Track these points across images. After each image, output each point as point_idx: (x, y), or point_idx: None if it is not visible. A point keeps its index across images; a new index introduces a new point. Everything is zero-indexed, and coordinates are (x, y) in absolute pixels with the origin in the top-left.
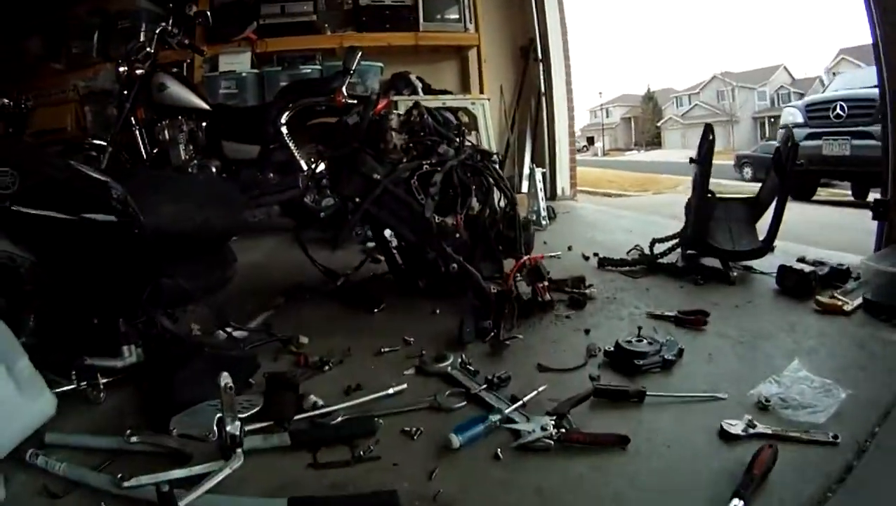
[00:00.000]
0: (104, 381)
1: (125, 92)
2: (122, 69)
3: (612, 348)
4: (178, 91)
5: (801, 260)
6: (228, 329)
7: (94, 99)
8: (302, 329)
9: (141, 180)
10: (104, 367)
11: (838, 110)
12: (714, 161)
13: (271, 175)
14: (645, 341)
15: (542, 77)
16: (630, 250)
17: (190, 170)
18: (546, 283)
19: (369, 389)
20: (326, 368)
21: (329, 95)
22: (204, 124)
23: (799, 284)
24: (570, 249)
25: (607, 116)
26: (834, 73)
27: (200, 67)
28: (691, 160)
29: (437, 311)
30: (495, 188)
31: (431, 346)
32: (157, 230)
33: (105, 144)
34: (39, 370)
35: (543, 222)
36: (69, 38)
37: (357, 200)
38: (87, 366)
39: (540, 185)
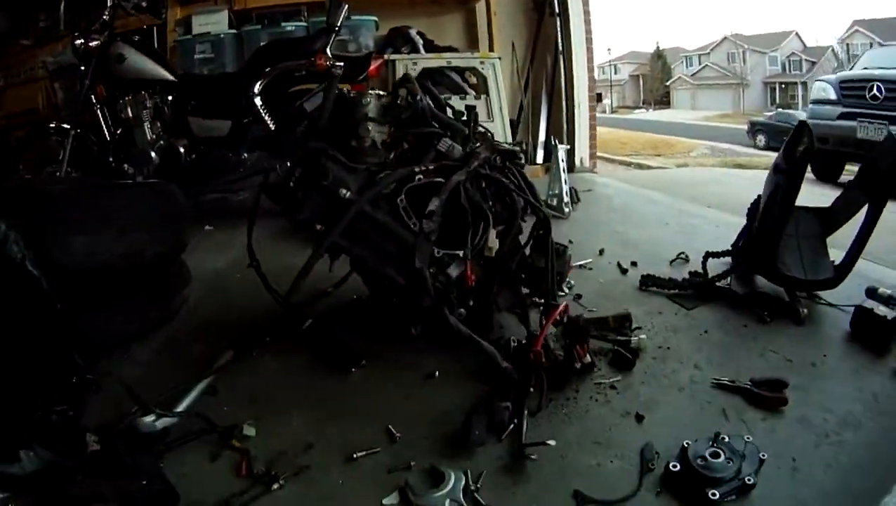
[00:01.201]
0: (3, 495)
1: (83, 67)
2: (78, 42)
3: (676, 465)
4: (139, 61)
5: (872, 293)
6: (151, 419)
7: (63, 75)
8: (252, 403)
9: (45, 202)
10: (3, 475)
11: (875, 91)
12: (724, 124)
13: (245, 155)
14: (722, 457)
15: (559, 34)
16: (674, 260)
17: (153, 155)
18: (587, 345)
19: None
20: (276, 485)
21: (309, 58)
22: (170, 98)
23: (876, 335)
24: (601, 253)
25: (615, 73)
26: (847, 45)
27: (173, 31)
28: (776, 168)
29: (437, 373)
30: (519, 200)
31: (425, 445)
32: (63, 272)
33: (69, 127)
34: None
35: (566, 209)
36: (35, 10)
37: (319, 227)
38: None
39: (563, 164)
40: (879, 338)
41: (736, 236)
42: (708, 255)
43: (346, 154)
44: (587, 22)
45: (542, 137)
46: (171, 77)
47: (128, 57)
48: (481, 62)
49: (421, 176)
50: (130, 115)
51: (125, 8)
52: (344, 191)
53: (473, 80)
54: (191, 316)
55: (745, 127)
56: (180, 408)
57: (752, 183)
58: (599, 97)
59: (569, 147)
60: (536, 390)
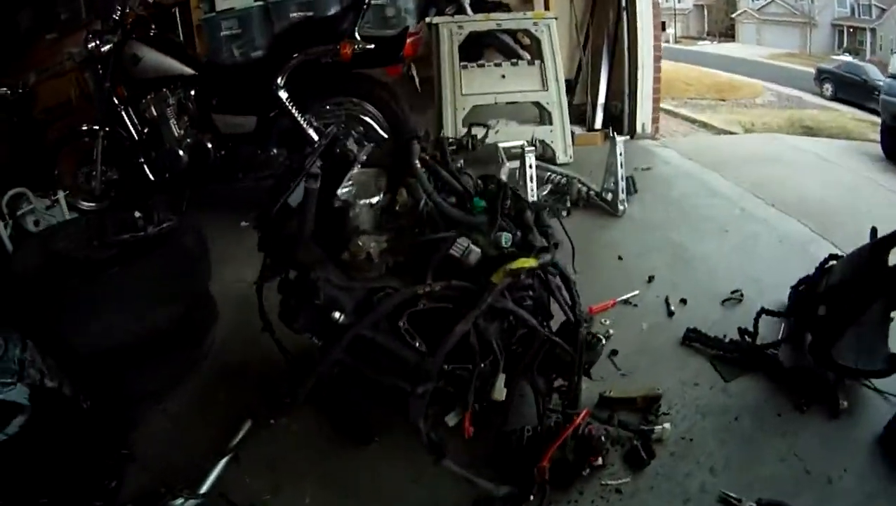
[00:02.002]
0: None
1: (100, 70)
2: (90, 46)
3: None
4: (155, 60)
5: None
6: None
7: (90, 66)
8: (270, 472)
9: (60, 292)
10: None
11: None
12: (790, 65)
13: (275, 151)
14: None
15: None
16: (726, 300)
17: (182, 153)
18: (601, 458)
19: None
20: None
21: (335, 42)
22: (193, 92)
23: None
24: (650, 280)
25: (678, 2)
26: None
27: (197, 8)
28: (857, 261)
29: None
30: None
31: None
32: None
33: (98, 128)
34: None
35: (621, 207)
36: (56, 3)
37: (316, 340)
38: None
39: (621, 158)
40: None
41: (797, 281)
42: (762, 312)
43: (339, 259)
44: None
45: (601, 98)
46: (190, 71)
47: (143, 57)
48: (535, 23)
49: (424, 302)
50: (154, 113)
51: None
52: (337, 314)
53: (527, 40)
54: (219, 357)
55: (812, 71)
56: (205, 488)
57: (819, 162)
58: (663, 26)
59: (627, 138)
60: (537, 498)
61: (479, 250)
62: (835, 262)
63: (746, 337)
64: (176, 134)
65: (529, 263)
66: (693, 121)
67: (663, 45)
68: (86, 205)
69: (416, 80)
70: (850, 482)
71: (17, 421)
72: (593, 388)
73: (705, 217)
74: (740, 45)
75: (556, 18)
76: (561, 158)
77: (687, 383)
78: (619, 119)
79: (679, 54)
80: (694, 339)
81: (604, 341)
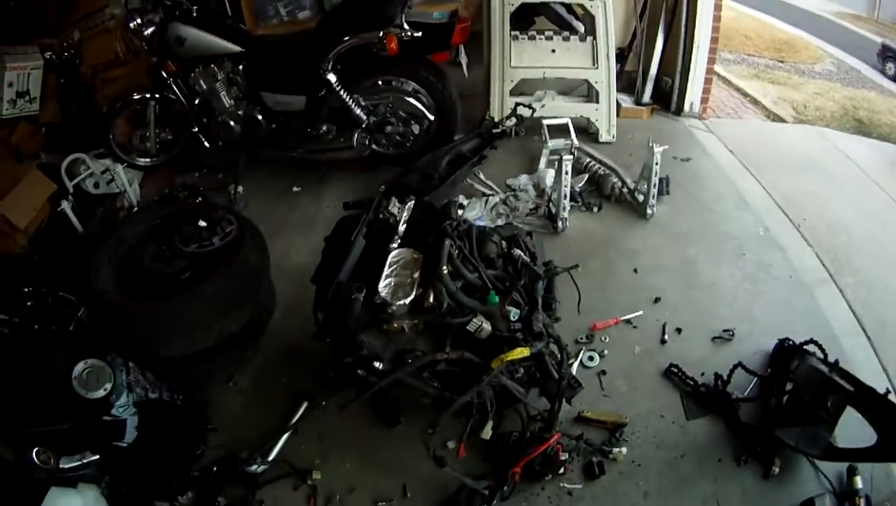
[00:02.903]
0: None
1: (146, 47)
2: (132, 24)
3: None
4: (199, 39)
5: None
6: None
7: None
8: (320, 442)
9: (148, 317)
10: None
11: None
12: (855, 28)
13: (324, 127)
14: None
15: None
16: (717, 337)
17: (234, 124)
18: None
19: None
20: None
21: (382, 28)
22: (241, 67)
23: None
24: (656, 301)
25: None
26: None
27: None
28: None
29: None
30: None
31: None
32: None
33: (149, 97)
34: None
35: (649, 212)
36: None
37: (360, 372)
38: None
39: (656, 168)
40: None
41: (784, 338)
42: (738, 366)
43: (378, 325)
44: None
45: (653, 70)
46: (236, 49)
47: (187, 37)
48: None
49: (443, 365)
50: (204, 87)
51: None
52: (377, 363)
53: (580, 11)
54: (276, 339)
55: (877, 40)
56: (272, 456)
57: (860, 179)
58: None
59: (666, 147)
60: (507, 490)
61: (489, 328)
62: (812, 347)
63: (719, 383)
64: (227, 105)
65: (523, 353)
66: (745, 94)
67: None
68: (142, 161)
69: (465, 64)
70: None
71: (130, 429)
72: (576, 403)
73: (727, 235)
74: None
75: None
76: (603, 137)
77: (654, 414)
78: (669, 95)
79: None
80: (674, 373)
81: (583, 387)
